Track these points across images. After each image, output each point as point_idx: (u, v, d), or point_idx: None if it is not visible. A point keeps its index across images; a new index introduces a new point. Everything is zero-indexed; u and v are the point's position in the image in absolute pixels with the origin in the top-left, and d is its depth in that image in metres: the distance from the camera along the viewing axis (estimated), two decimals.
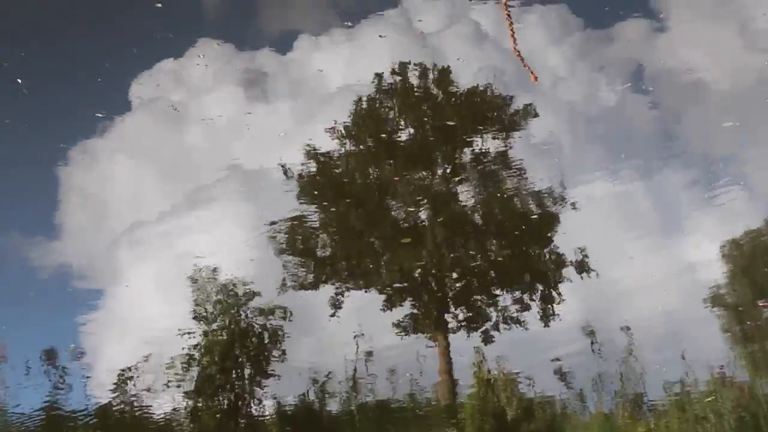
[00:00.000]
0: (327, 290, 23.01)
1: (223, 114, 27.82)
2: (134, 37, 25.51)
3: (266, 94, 29.30)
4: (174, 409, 19.45)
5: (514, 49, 10.95)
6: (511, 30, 11.28)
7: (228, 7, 28.04)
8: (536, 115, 23.83)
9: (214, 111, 28.04)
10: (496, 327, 22.63)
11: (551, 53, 31.49)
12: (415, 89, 23.98)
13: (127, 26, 26.17)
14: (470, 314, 22.75)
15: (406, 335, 22.41)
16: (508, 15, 11.62)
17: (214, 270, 21.04)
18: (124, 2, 25.28)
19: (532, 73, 11.25)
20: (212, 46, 28.49)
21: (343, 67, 27.99)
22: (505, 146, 23.62)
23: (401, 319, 22.62)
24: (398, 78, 24.04)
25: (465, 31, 28.91)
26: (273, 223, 22.96)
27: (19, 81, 21.76)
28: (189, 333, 20.15)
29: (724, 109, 26.64)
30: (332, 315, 22.58)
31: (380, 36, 27.19)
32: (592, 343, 19.23)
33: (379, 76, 23.94)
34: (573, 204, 23.13)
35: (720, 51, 26.46)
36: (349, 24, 29.03)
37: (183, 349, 20.15)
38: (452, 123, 23.14)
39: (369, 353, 19.90)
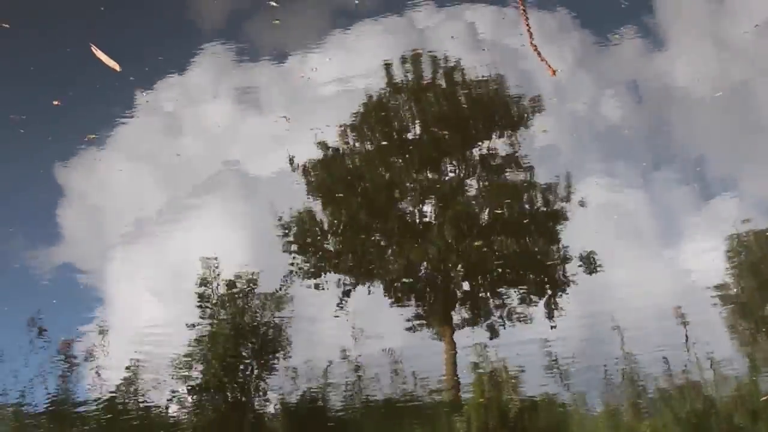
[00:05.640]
0: (329, 292, 22.95)
1: (220, 117, 27.70)
2: (132, 45, 25.32)
3: (260, 97, 29.12)
4: (177, 404, 19.50)
5: (530, 43, 11.06)
6: (527, 24, 11.39)
7: (224, 18, 28.04)
8: (543, 109, 23.99)
9: (211, 115, 27.94)
10: (501, 323, 22.73)
11: (549, 57, 31.44)
12: (423, 81, 24.03)
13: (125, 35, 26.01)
14: (476, 311, 22.83)
15: (413, 331, 22.48)
16: (524, 10, 11.75)
17: (217, 265, 21.18)
18: (122, 10, 25.14)
19: (549, 66, 11.32)
20: (209, 55, 28.32)
21: (340, 67, 27.92)
22: (512, 144, 23.72)
23: (409, 317, 22.69)
24: (408, 69, 24.11)
25: (460, 29, 28.87)
26: (279, 218, 23.01)
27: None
28: (193, 326, 20.29)
29: (714, 117, 27.06)
30: (339, 305, 22.50)
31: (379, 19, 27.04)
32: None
33: (388, 65, 24.01)
34: (581, 202, 23.28)
35: (710, 63, 26.96)
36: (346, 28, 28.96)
37: (187, 344, 20.25)
38: (462, 117, 23.28)
39: (372, 350, 20.11)
